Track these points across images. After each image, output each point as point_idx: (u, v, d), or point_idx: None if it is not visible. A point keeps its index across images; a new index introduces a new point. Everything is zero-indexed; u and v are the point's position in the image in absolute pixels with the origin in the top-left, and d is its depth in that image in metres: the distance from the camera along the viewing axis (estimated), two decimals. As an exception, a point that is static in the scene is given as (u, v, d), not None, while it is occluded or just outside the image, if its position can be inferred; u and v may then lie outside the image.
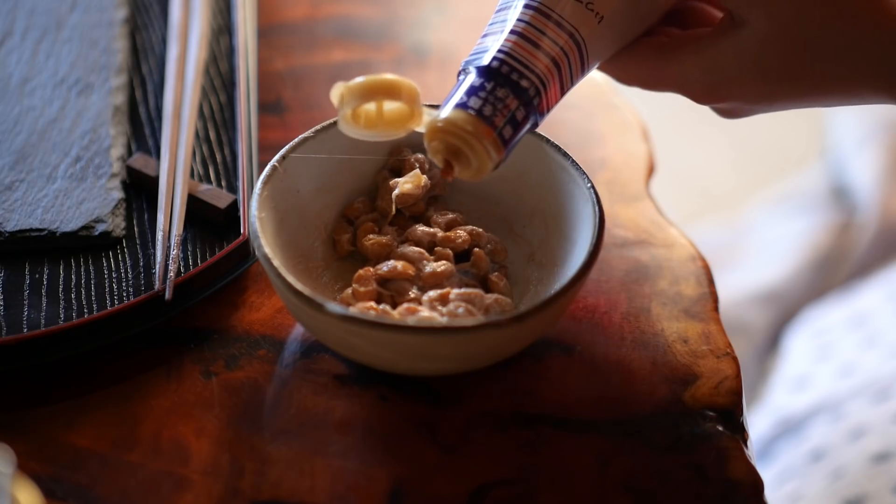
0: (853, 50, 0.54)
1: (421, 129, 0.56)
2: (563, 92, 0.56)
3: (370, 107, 0.56)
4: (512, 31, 0.55)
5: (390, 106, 0.56)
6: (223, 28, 0.74)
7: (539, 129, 0.60)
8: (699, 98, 0.58)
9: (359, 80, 0.55)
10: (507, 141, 0.55)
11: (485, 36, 0.56)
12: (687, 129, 1.67)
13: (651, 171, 0.69)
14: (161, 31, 0.74)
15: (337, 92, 0.55)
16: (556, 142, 0.60)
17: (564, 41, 0.55)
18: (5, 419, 0.56)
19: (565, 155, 0.59)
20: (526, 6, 0.56)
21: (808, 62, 0.55)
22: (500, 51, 0.55)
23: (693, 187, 1.61)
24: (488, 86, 0.54)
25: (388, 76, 0.55)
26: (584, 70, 0.57)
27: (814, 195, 1.14)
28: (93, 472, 0.54)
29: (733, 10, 0.55)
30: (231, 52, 0.72)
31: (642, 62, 0.58)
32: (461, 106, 0.54)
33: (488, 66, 0.54)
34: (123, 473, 0.54)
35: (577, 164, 0.59)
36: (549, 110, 0.56)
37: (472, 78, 0.55)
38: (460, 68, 0.56)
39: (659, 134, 0.77)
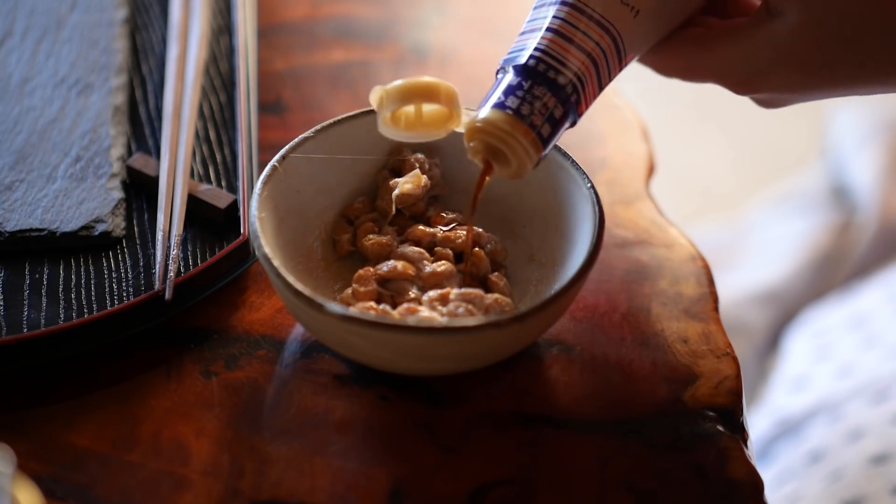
0: (891, 36, 0.54)
1: (460, 129, 0.56)
2: (601, 88, 0.57)
3: (409, 109, 0.57)
4: (548, 29, 0.55)
5: (429, 107, 0.57)
6: (223, 28, 0.74)
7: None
8: (736, 89, 0.59)
9: (397, 83, 0.56)
10: (546, 139, 0.55)
11: (522, 34, 0.56)
12: (687, 129, 1.67)
13: (651, 171, 0.69)
14: (161, 31, 0.74)
15: (376, 95, 0.56)
16: (556, 142, 0.60)
17: (601, 37, 0.55)
18: (5, 419, 0.56)
19: (565, 155, 0.59)
20: (562, 3, 0.56)
21: (844, 51, 0.55)
22: (536, 48, 0.55)
23: (693, 187, 1.61)
24: (525, 84, 0.54)
25: (427, 79, 0.56)
26: (621, 65, 0.57)
27: (814, 195, 1.14)
28: (93, 472, 0.54)
29: (769, 0, 0.55)
30: (231, 52, 0.72)
31: (680, 54, 0.59)
32: (499, 106, 0.54)
33: (525, 65, 0.55)
34: (123, 473, 0.54)
35: (577, 164, 0.59)
36: (587, 107, 0.56)
37: (509, 77, 0.55)
38: (498, 66, 0.56)
39: (659, 134, 0.77)
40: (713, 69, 0.58)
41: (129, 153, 0.67)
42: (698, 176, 1.63)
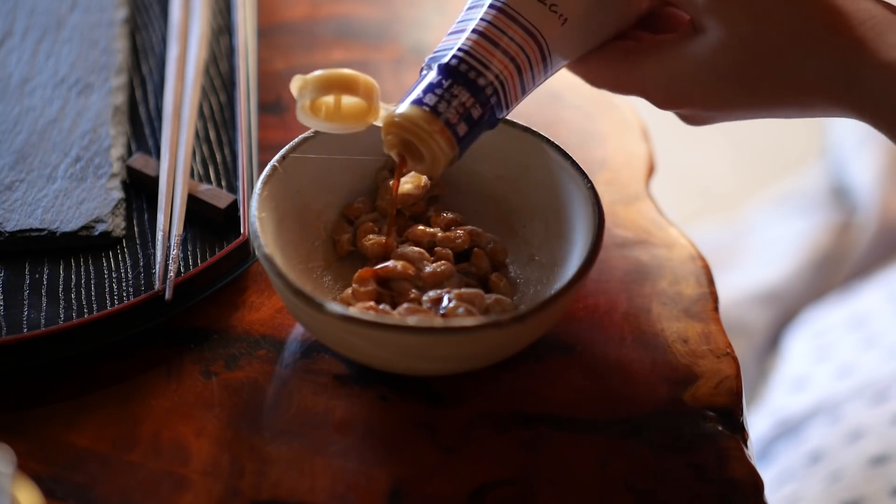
0: (809, 60, 0.54)
1: (378, 123, 0.57)
2: (524, 92, 0.57)
3: (329, 100, 0.57)
4: (474, 31, 0.56)
5: (348, 100, 0.57)
6: (223, 28, 0.74)
7: (539, 130, 0.60)
8: (660, 103, 0.59)
9: (317, 73, 0.56)
10: (462, 138, 0.55)
11: (450, 33, 0.57)
12: (687, 129, 1.67)
13: (651, 171, 0.69)
14: (161, 31, 0.74)
15: (296, 84, 0.57)
16: (556, 142, 0.60)
17: (525, 42, 0.56)
18: (5, 419, 0.56)
19: (565, 155, 0.59)
20: (490, 6, 0.56)
21: (764, 71, 0.55)
22: (460, 49, 0.56)
23: (693, 187, 1.61)
24: (445, 83, 0.55)
25: (346, 71, 0.57)
26: (546, 71, 0.57)
27: (814, 195, 1.14)
28: (93, 472, 0.54)
29: (693, 17, 0.56)
30: (231, 52, 0.72)
31: (608, 65, 0.59)
32: (417, 102, 0.55)
33: (447, 64, 0.55)
34: (123, 473, 0.54)
35: (577, 164, 0.59)
36: (508, 108, 0.57)
37: (431, 75, 0.56)
38: (423, 64, 0.57)
39: (659, 134, 0.77)
40: (639, 83, 0.58)
41: (129, 153, 0.67)
42: (698, 176, 1.63)
